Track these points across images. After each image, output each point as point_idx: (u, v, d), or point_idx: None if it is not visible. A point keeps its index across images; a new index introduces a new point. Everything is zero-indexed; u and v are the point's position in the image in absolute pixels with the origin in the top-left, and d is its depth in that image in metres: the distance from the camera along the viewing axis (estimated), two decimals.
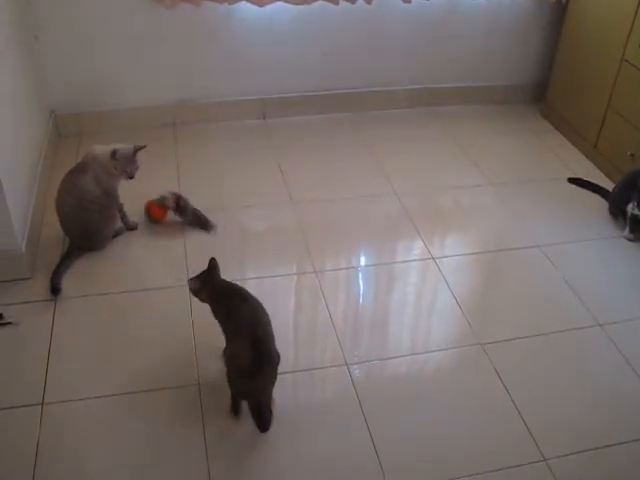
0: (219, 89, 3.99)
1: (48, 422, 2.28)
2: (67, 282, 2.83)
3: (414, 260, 3.10)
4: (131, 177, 2.92)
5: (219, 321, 2.32)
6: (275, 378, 2.22)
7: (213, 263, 2.37)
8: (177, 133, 3.94)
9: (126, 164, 2.88)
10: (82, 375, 2.46)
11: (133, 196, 3.14)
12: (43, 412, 2.31)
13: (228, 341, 2.25)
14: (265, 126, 4.07)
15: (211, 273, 2.37)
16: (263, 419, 2.21)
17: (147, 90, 3.89)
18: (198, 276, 2.38)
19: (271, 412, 2.24)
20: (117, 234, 3.10)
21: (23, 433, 2.24)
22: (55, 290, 2.77)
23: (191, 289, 2.38)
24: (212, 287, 2.36)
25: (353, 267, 3.07)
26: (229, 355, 2.21)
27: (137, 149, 2.91)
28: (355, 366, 2.54)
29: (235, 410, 2.28)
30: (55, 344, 2.57)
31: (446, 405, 2.42)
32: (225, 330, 2.28)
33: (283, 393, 2.38)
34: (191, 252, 3.03)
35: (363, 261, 3.12)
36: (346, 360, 2.56)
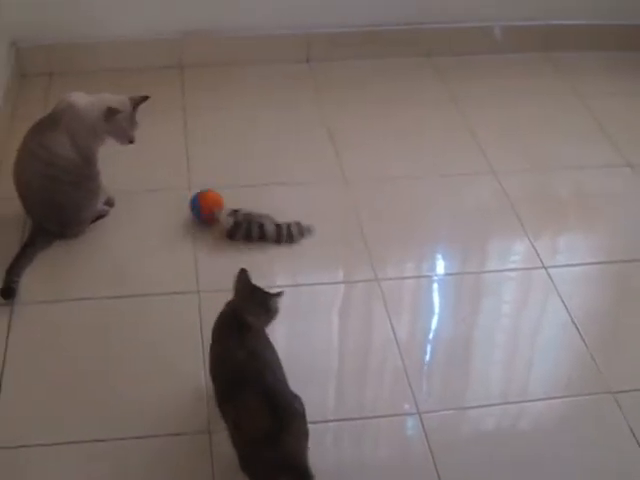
0: (245, 18, 4.01)
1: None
2: (27, 281, 2.83)
3: (516, 269, 3.09)
4: (132, 142, 2.94)
5: (212, 378, 2.32)
6: (307, 431, 2.20)
7: (242, 277, 2.33)
8: (185, 79, 3.96)
9: (126, 125, 2.91)
10: (45, 412, 2.45)
11: (114, 162, 3.13)
12: None
13: (226, 409, 2.21)
14: (310, 72, 4.09)
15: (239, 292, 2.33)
16: None
17: (142, 16, 3.92)
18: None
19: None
20: (99, 217, 3.11)
21: None
22: (9, 291, 2.77)
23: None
24: (225, 314, 2.34)
25: (427, 275, 3.06)
26: (235, 422, 2.16)
27: (137, 102, 2.92)
28: (429, 415, 2.51)
29: None
30: (9, 369, 2.56)
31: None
32: (220, 391, 2.25)
33: (324, 448, 2.37)
34: (201, 245, 3.04)
35: (442, 267, 3.11)
36: (418, 407, 2.54)
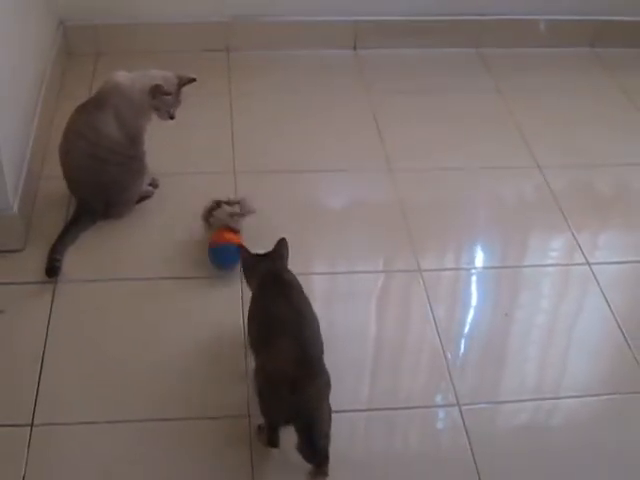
0: (293, 3, 4.01)
1: (37, 449, 2.30)
2: (70, 260, 2.85)
3: (558, 264, 3.07)
4: (172, 117, 2.94)
5: (250, 323, 2.38)
6: (328, 395, 2.21)
7: (282, 244, 2.42)
8: (231, 63, 3.97)
9: (171, 102, 2.91)
10: (85, 391, 2.46)
11: (159, 144, 3.14)
12: (32, 436, 2.32)
13: (260, 350, 2.27)
14: (356, 60, 4.08)
15: (272, 255, 2.42)
16: (316, 445, 2.18)
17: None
18: (256, 254, 2.44)
19: (327, 438, 2.21)
20: (143, 198, 3.12)
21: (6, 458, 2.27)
22: (53, 270, 2.78)
23: (243, 267, 2.45)
24: (267, 274, 2.40)
25: (468, 267, 3.06)
26: (262, 364, 2.22)
27: (184, 82, 2.92)
28: (468, 407, 2.50)
29: (271, 441, 2.26)
30: (51, 346, 2.58)
31: None
32: (257, 335, 2.31)
33: (355, 437, 2.40)
34: (243, 227, 3.01)
35: (483, 260, 3.11)
36: (458, 399, 2.53)
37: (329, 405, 2.19)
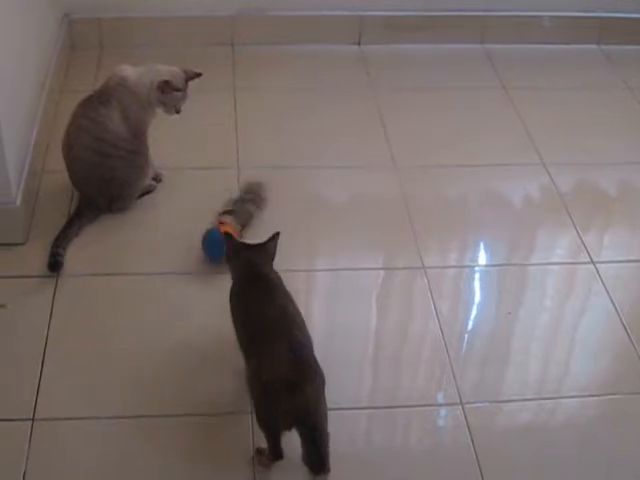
0: None
1: (38, 444, 2.29)
2: (73, 254, 2.85)
3: (562, 263, 3.06)
4: (178, 112, 2.94)
5: (234, 319, 2.35)
6: (324, 390, 2.19)
7: (274, 239, 2.39)
8: (236, 57, 3.96)
9: (179, 98, 2.91)
10: (87, 386, 2.46)
11: (163, 138, 3.15)
12: (33, 431, 2.32)
13: (250, 354, 2.25)
14: (361, 55, 4.07)
15: (259, 247, 2.39)
16: (321, 451, 2.17)
17: None
18: (241, 243, 2.44)
19: (327, 435, 2.19)
20: (146, 192, 3.11)
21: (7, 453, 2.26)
22: (55, 264, 2.78)
23: (226, 252, 2.43)
24: (247, 266, 2.38)
25: (472, 265, 3.06)
26: (256, 371, 2.18)
27: (190, 77, 2.92)
28: (471, 406, 2.49)
29: (275, 452, 2.24)
30: (53, 341, 2.58)
31: None
32: (245, 338, 2.29)
33: (357, 434, 2.40)
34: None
35: (488, 258, 3.11)
36: (460, 397, 2.52)
37: (325, 399, 2.18)
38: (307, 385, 2.12)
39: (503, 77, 3.99)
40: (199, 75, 2.93)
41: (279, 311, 2.27)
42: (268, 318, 2.24)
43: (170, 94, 2.87)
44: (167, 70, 2.90)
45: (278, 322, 2.23)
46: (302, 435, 2.16)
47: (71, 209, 3.00)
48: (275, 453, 2.21)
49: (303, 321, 2.28)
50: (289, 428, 2.16)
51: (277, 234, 2.39)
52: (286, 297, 2.33)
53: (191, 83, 2.94)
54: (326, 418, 2.17)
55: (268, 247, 2.40)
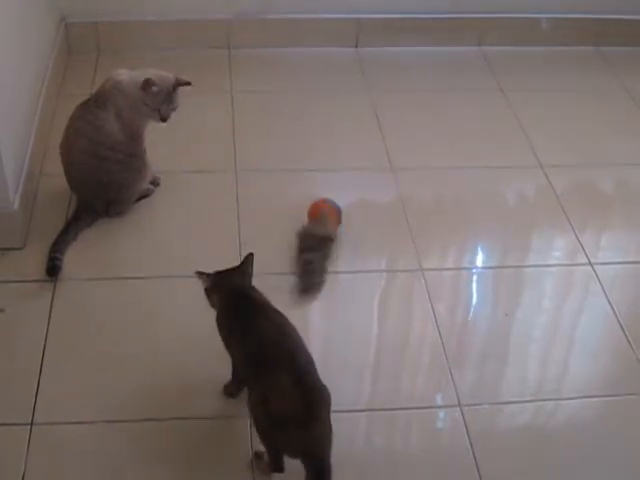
0: (293, 1, 4.01)
1: (37, 448, 2.29)
2: (71, 258, 2.85)
3: (560, 264, 3.06)
4: (164, 119, 2.91)
5: (230, 349, 2.31)
6: (330, 423, 2.15)
7: (248, 259, 2.34)
8: (233, 60, 3.96)
9: (162, 100, 2.88)
10: (85, 390, 2.46)
11: (160, 142, 3.13)
12: (32, 435, 2.32)
13: (254, 383, 2.20)
14: (358, 58, 4.07)
15: (235, 271, 2.34)
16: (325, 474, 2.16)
17: None
18: (216, 273, 2.35)
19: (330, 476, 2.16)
20: (143, 196, 3.11)
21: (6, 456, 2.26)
22: (53, 268, 2.78)
23: (205, 289, 2.36)
24: (227, 292, 2.34)
25: (470, 267, 3.06)
26: (261, 400, 2.14)
27: (179, 83, 2.90)
28: (470, 408, 2.50)
29: (276, 466, 2.21)
30: (51, 345, 2.58)
31: None
32: (247, 366, 2.25)
33: (356, 436, 2.40)
34: (245, 226, 3.03)
35: (486, 260, 3.11)
36: (459, 399, 2.53)
37: (331, 423, 2.14)
38: (317, 421, 2.09)
39: (500, 79, 3.99)
40: (188, 84, 2.91)
41: (277, 331, 2.22)
42: (268, 341, 2.19)
43: (150, 93, 2.85)
44: (156, 72, 2.90)
45: (280, 345, 2.18)
46: (307, 466, 2.14)
47: (69, 213, 3.00)
48: (275, 466, 2.20)
49: (300, 336, 2.24)
50: (295, 458, 2.14)
51: (250, 255, 2.35)
52: (278, 315, 2.28)
53: (188, 88, 2.93)
54: (331, 444, 2.13)
55: (245, 269, 2.34)
